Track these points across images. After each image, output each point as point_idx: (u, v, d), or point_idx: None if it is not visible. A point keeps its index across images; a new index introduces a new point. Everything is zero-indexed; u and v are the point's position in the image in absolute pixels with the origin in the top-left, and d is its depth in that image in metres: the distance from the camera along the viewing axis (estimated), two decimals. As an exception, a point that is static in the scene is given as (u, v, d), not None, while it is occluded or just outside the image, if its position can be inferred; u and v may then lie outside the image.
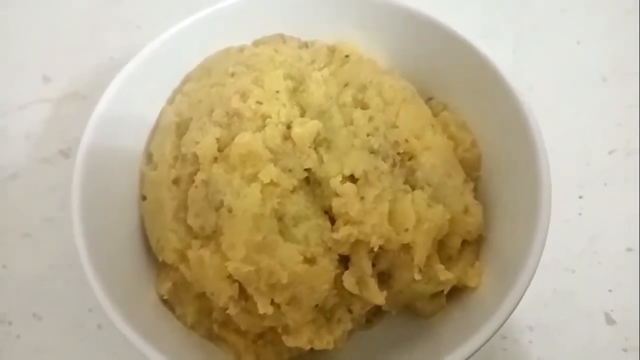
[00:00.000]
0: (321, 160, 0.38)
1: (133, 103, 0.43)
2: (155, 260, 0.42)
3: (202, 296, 0.39)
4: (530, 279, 0.35)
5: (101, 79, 0.63)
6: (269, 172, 0.37)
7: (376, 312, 0.42)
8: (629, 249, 0.53)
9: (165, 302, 0.41)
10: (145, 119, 0.45)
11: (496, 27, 0.67)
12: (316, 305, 0.36)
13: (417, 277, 0.36)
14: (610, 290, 0.51)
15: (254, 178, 0.37)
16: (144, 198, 0.43)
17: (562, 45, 0.66)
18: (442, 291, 0.39)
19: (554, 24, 0.68)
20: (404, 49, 0.47)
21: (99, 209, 0.39)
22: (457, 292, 0.41)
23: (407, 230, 0.36)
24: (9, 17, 0.68)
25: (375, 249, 0.36)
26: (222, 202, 0.36)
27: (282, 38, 0.46)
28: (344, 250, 0.37)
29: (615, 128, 0.60)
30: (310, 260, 0.36)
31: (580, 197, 0.56)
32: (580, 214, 0.55)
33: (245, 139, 0.38)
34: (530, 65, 0.64)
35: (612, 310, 0.50)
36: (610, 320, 0.50)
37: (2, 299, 0.52)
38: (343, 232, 0.36)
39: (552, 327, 0.50)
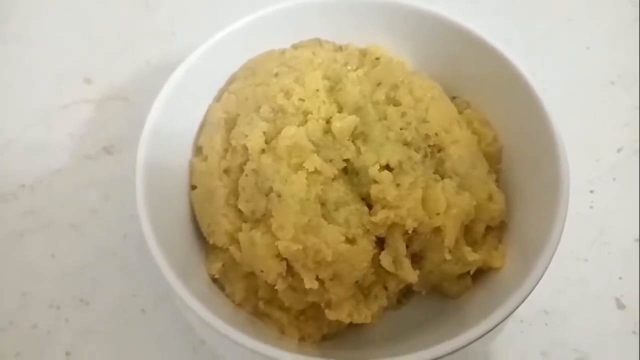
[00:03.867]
0: (359, 152, 0.42)
1: (182, 105, 0.47)
2: (203, 245, 0.46)
3: (249, 275, 0.43)
4: (549, 261, 0.38)
5: (139, 81, 0.68)
6: (313, 162, 0.40)
7: (406, 293, 0.45)
8: (637, 240, 0.56)
9: (215, 281, 0.45)
10: (193, 118, 0.49)
11: (508, 35, 0.70)
12: (356, 282, 0.40)
13: (448, 257, 0.40)
14: (620, 278, 0.54)
15: (299, 167, 0.40)
16: (193, 187, 0.46)
17: (572, 50, 0.69)
18: (469, 272, 0.43)
19: (563, 32, 0.71)
20: (429, 52, 0.51)
21: (156, 199, 0.42)
22: (481, 274, 0.44)
23: (438, 214, 0.40)
24: (52, 25, 0.72)
25: (410, 232, 0.39)
26: (271, 189, 0.40)
27: (319, 42, 0.50)
28: (381, 232, 0.40)
29: (622, 128, 0.63)
30: (351, 241, 0.39)
31: (592, 192, 0.59)
32: (591, 207, 0.58)
33: (291, 132, 0.41)
34: (542, 69, 0.67)
35: (622, 296, 0.53)
36: (620, 305, 0.53)
37: (51, 285, 0.55)
38: (381, 215, 0.39)
39: (567, 311, 0.53)
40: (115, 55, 0.70)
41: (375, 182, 0.40)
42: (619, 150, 0.62)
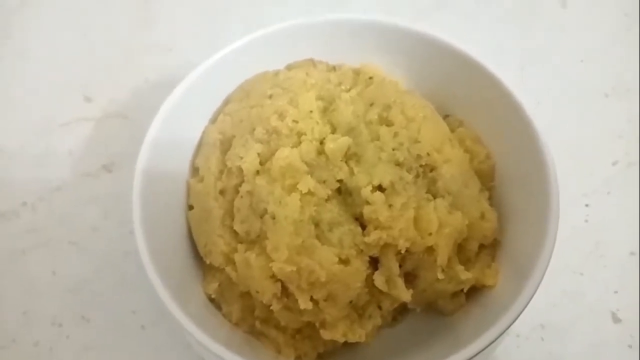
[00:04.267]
0: (352, 172, 0.42)
1: (180, 124, 0.48)
2: (201, 265, 0.47)
3: (245, 295, 0.43)
4: (541, 278, 0.39)
5: (138, 99, 0.69)
6: (307, 183, 0.41)
7: (401, 311, 0.46)
8: (632, 253, 0.57)
9: (212, 301, 0.45)
10: (190, 138, 0.50)
11: (502, 48, 0.71)
12: (350, 302, 0.40)
13: (440, 276, 0.40)
14: (615, 292, 0.55)
15: (293, 188, 0.41)
16: (190, 207, 0.47)
17: (567, 63, 0.70)
18: (462, 290, 0.43)
19: (557, 44, 0.72)
20: (422, 72, 0.51)
21: (153, 217, 0.43)
22: (475, 292, 0.44)
23: (430, 234, 0.40)
24: (49, 41, 0.73)
25: (402, 251, 0.40)
26: (265, 210, 0.41)
27: (312, 62, 0.51)
28: (374, 252, 0.41)
29: (617, 140, 0.64)
30: (344, 261, 0.40)
31: (587, 205, 0.59)
32: (586, 221, 0.59)
33: (285, 154, 0.42)
34: (537, 82, 0.68)
35: (617, 310, 0.54)
36: (616, 319, 0.53)
37: (53, 302, 0.56)
38: (374, 236, 0.40)
39: (562, 325, 0.53)
40: (114, 72, 0.70)
41: (368, 203, 0.41)
42: (614, 164, 0.62)
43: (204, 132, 0.49)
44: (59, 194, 0.62)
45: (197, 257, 0.47)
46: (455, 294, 0.44)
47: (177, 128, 0.48)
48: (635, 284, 0.55)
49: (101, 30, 0.74)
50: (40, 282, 0.57)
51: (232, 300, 0.44)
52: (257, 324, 0.43)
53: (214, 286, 0.44)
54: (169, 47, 0.73)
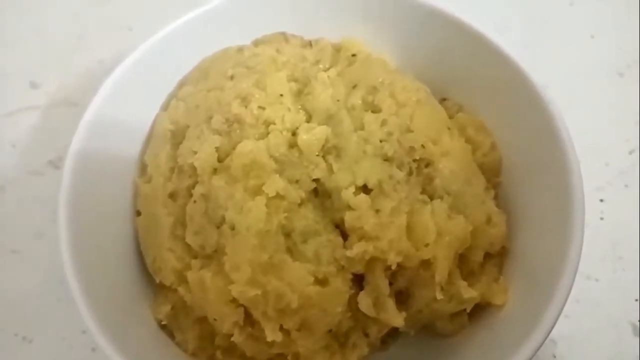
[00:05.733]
0: (330, 170, 0.35)
1: (125, 108, 0.41)
2: (152, 281, 0.39)
3: (203, 320, 0.36)
4: (567, 297, 0.32)
5: (91, 83, 0.60)
6: (275, 184, 0.34)
7: (392, 333, 0.39)
8: (655, 253, 0.50)
9: (163, 327, 0.38)
10: (139, 125, 0.43)
11: (506, 22, 0.64)
12: (329, 330, 0.33)
13: (439, 296, 0.33)
14: (636, 300, 0.48)
15: (258, 191, 0.34)
16: (138, 213, 0.40)
17: (575, 39, 0.64)
18: (465, 310, 0.36)
19: (565, 18, 0.65)
20: (414, 46, 0.45)
21: (89, 224, 0.36)
22: (480, 309, 0.38)
23: (427, 245, 0.33)
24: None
25: (393, 267, 0.33)
26: (223, 218, 0.34)
27: (284, 37, 0.43)
28: (359, 268, 0.34)
29: (634, 126, 0.57)
30: (321, 281, 0.33)
31: (601, 201, 0.53)
32: (601, 219, 0.52)
33: (248, 148, 0.35)
34: (543, 61, 0.61)
35: (639, 321, 0.48)
36: (637, 331, 0.47)
37: (-11, 320, 0.49)
38: (357, 249, 0.33)
39: (577, 339, 0.47)
40: (64, 54, 0.63)
41: (350, 208, 0.33)
42: (630, 152, 0.56)
43: (154, 122, 0.42)
44: (0, 196, 0.55)
45: (148, 273, 0.39)
46: (456, 314, 0.37)
47: (122, 114, 0.41)
48: (659, 290, 0.48)
49: (49, 6, 0.66)
50: (-25, 297, 0.50)
51: (188, 327, 0.37)
52: (218, 354, 0.36)
53: (165, 310, 0.37)
54: (129, 25, 0.65)
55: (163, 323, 0.37)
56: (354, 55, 0.43)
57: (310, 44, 0.43)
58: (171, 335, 0.38)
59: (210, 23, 0.43)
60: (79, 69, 0.61)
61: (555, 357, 0.46)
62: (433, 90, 0.43)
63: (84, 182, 0.38)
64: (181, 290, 0.35)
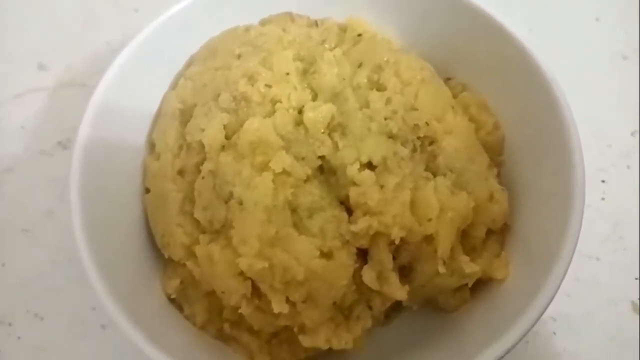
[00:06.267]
0: (336, 147, 0.36)
1: (134, 89, 0.41)
2: (161, 257, 0.40)
3: (212, 294, 0.37)
4: (565, 271, 0.33)
5: (99, 65, 0.61)
6: (281, 161, 0.34)
7: (395, 307, 0.39)
8: (656, 233, 0.51)
9: (173, 301, 0.39)
10: (147, 106, 0.43)
11: (509, 7, 0.64)
12: (334, 303, 0.34)
13: (442, 270, 0.34)
14: (636, 278, 0.49)
15: (265, 167, 0.34)
16: (147, 190, 0.40)
17: (580, 22, 0.63)
18: (467, 284, 0.37)
19: (569, 1, 0.65)
20: (419, 26, 0.45)
21: (100, 202, 0.37)
22: (481, 284, 0.38)
23: (430, 220, 0.34)
24: (3, 4, 0.66)
25: (397, 242, 0.33)
26: (231, 194, 0.34)
27: (291, 16, 0.43)
28: (363, 243, 0.34)
29: (636, 108, 0.57)
30: (327, 255, 0.33)
31: (603, 182, 0.53)
32: (603, 199, 0.53)
33: (255, 125, 0.35)
34: (546, 43, 0.60)
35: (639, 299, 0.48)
36: (637, 309, 0.48)
37: (1, 299, 0.49)
38: (362, 223, 0.33)
39: (577, 317, 0.48)
40: (72, 36, 0.64)
41: (355, 184, 0.34)
42: (632, 134, 0.56)
43: (162, 101, 0.42)
44: (9, 176, 0.55)
45: (157, 248, 0.40)
46: (458, 289, 0.38)
47: (130, 95, 0.41)
48: (658, 269, 0.49)
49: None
50: (-13, 276, 0.50)
51: (196, 301, 0.37)
52: (226, 327, 0.37)
53: (174, 284, 0.37)
54: (135, 6, 0.65)
55: (172, 297, 0.38)
56: (359, 35, 0.43)
57: (316, 23, 0.44)
58: (180, 309, 0.39)
59: (217, 3, 0.43)
60: (86, 51, 0.62)
61: (555, 334, 0.47)
62: (438, 70, 0.43)
63: (94, 162, 0.38)
64: (190, 264, 0.36)
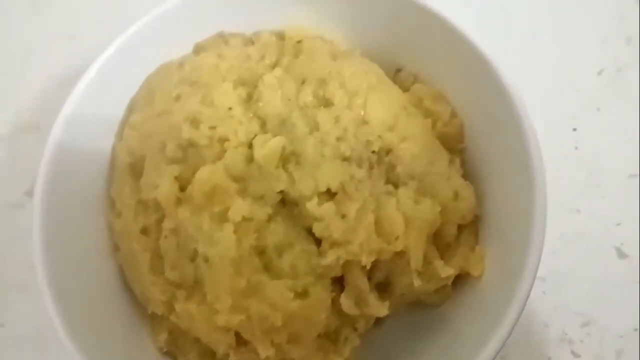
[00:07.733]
0: (292, 179, 0.35)
1: (88, 135, 0.40)
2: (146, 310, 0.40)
3: (201, 340, 0.37)
4: (540, 252, 0.33)
5: (47, 102, 0.59)
6: (239, 209, 0.33)
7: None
8: (631, 175, 0.50)
9: (166, 354, 0.39)
10: (102, 156, 0.41)
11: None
12: (318, 335, 0.35)
13: (417, 282, 0.34)
14: (618, 224, 0.49)
15: (224, 217, 0.34)
16: (117, 248, 0.40)
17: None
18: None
19: None
20: (362, 21, 0.42)
21: (70, 263, 0.36)
22: (462, 276, 0.38)
23: (397, 238, 0.34)
24: None
25: (368, 267, 0.33)
26: (196, 252, 0.34)
27: (224, 39, 0.41)
28: (335, 272, 0.34)
29: (600, 45, 0.55)
30: (302, 294, 0.33)
31: (574, 130, 0.52)
32: (576, 148, 0.52)
33: (206, 174, 0.34)
34: None
35: (622, 244, 0.48)
36: (622, 254, 0.48)
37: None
38: (330, 256, 0.33)
39: (564, 273, 0.48)
40: (15, 73, 0.60)
41: (317, 219, 0.33)
42: (599, 73, 0.54)
43: (112, 152, 0.41)
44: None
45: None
46: (439, 288, 0.38)
47: (87, 143, 0.39)
48: (638, 211, 0.49)
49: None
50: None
51: (188, 349, 0.38)
52: (223, 368, 0.38)
53: (163, 337, 0.38)
54: (70, 33, 0.61)
55: (164, 350, 0.39)
56: (299, 42, 0.41)
57: (251, 40, 0.41)
58: (175, 359, 0.39)
59: (149, 36, 0.41)
60: (31, 90, 0.59)
61: (545, 293, 0.48)
62: (386, 63, 0.41)
63: (57, 220, 0.37)
64: (173, 318, 0.36)
